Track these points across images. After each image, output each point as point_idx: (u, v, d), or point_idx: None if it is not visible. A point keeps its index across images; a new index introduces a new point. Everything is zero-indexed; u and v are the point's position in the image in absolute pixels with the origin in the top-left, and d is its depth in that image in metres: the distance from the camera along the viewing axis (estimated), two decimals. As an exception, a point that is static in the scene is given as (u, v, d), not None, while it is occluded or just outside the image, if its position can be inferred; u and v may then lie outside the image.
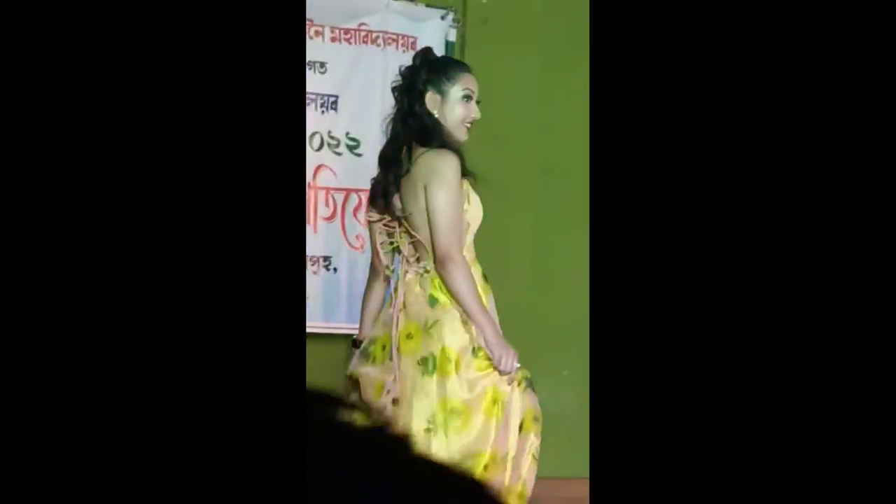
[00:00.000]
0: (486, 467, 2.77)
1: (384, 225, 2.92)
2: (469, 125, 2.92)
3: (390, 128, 2.95)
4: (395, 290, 2.86)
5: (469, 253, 2.90)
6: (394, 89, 2.96)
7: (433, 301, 2.82)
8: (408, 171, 2.84)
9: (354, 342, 3.04)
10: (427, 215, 2.82)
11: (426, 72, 2.90)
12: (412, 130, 2.87)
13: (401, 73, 2.96)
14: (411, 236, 2.88)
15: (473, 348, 2.79)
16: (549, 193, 4.85)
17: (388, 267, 2.92)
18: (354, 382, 2.89)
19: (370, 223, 2.99)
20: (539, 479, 3.90)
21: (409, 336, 2.82)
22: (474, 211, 2.93)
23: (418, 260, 2.88)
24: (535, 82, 4.87)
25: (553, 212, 4.88)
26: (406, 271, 2.88)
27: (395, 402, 2.77)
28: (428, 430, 2.75)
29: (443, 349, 2.77)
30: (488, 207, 3.04)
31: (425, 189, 2.81)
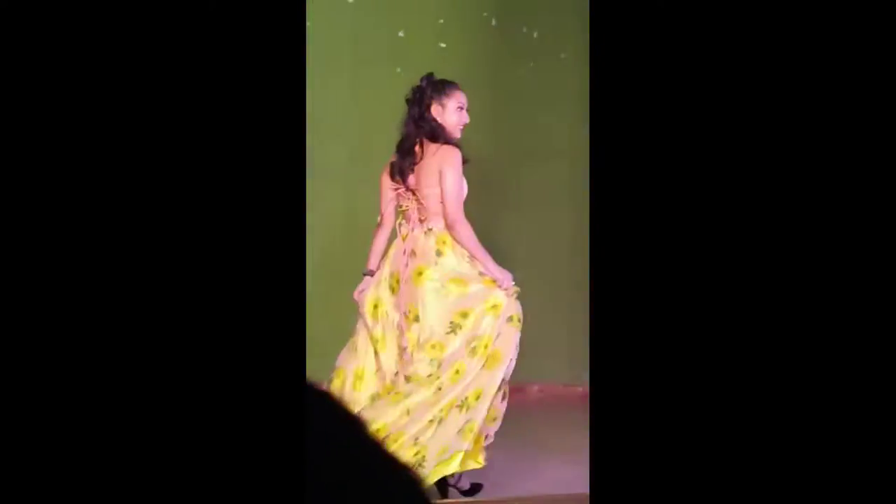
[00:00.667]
0: (485, 346, 3.87)
1: (399, 194, 4.04)
2: (461, 127, 4.06)
3: (404, 128, 4.06)
4: (404, 239, 4.00)
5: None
6: (406, 100, 4.07)
7: (439, 253, 3.93)
8: (421, 158, 3.97)
9: (365, 272, 4.12)
10: (440, 190, 3.93)
11: (430, 90, 4.05)
12: (423, 131, 3.99)
13: (413, 91, 4.07)
14: (419, 203, 3.98)
15: (479, 273, 3.95)
16: (358, 178, 6.26)
17: (398, 223, 4.05)
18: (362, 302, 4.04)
19: (384, 189, 4.09)
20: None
21: (419, 273, 3.92)
22: (464, 188, 4.05)
23: (421, 221, 3.99)
24: (349, 83, 6.44)
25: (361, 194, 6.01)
26: (413, 228, 3.99)
27: (417, 318, 3.89)
28: (448, 333, 3.87)
29: (453, 278, 3.90)
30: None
31: (440, 173, 3.92)
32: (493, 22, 7.04)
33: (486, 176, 6.79)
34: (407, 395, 3.80)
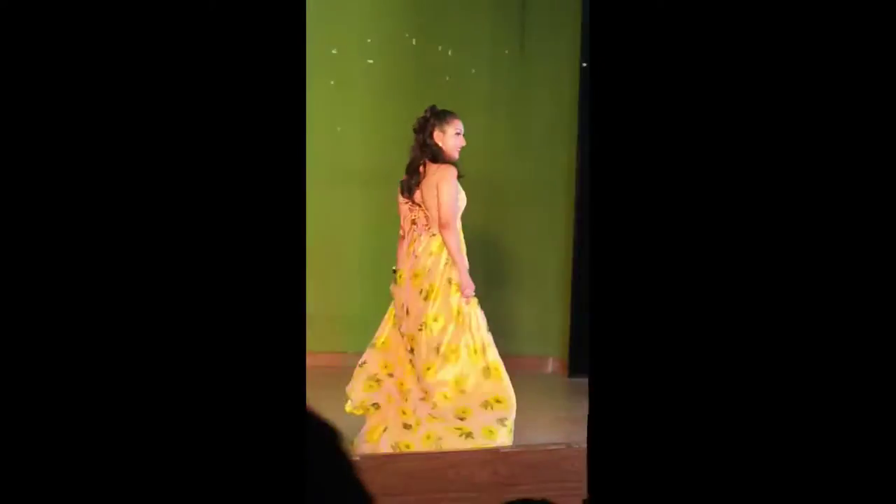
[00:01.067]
0: (454, 351, 4.48)
1: (409, 207, 4.64)
2: (459, 149, 4.66)
3: (411, 152, 4.66)
4: (413, 243, 4.61)
5: (460, 221, 4.66)
6: (413, 129, 4.66)
7: (438, 253, 4.54)
8: (425, 176, 4.57)
9: (394, 270, 4.75)
10: (437, 202, 4.51)
11: (433, 119, 4.64)
12: (426, 154, 4.61)
13: (418, 121, 4.65)
14: (425, 214, 4.59)
15: (449, 279, 4.53)
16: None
17: (408, 231, 4.63)
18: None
19: (400, 205, 4.69)
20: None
21: (415, 275, 4.57)
22: (462, 199, 4.67)
23: (428, 228, 4.59)
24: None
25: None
26: (421, 234, 4.60)
27: (407, 311, 4.57)
28: (420, 329, 4.51)
29: (431, 284, 4.52)
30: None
31: (437, 187, 4.52)
32: (413, 42, 7.62)
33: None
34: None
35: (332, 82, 7.21)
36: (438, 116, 4.67)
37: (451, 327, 4.51)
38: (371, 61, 7.59)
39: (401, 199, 4.69)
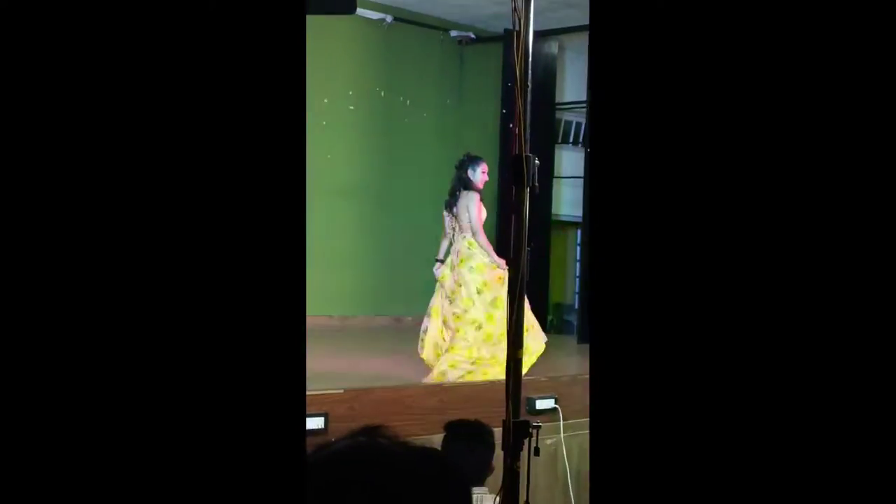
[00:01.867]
0: (496, 303, 5.97)
1: (450, 219, 6.11)
2: (482, 183, 6.10)
3: (452, 183, 6.12)
4: (453, 243, 6.13)
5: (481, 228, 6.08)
6: (455, 166, 6.14)
7: (469, 247, 6.06)
8: (459, 199, 6.05)
9: (438, 259, 6.26)
10: (468, 217, 5.98)
11: (468, 162, 6.10)
12: (461, 183, 6.08)
13: (459, 161, 6.13)
14: (459, 224, 6.07)
15: (490, 260, 6.06)
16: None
17: (451, 234, 6.12)
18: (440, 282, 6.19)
19: (445, 217, 6.15)
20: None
21: (462, 262, 6.06)
22: (483, 213, 6.10)
23: (461, 233, 6.06)
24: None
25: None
26: (458, 238, 6.08)
27: (443, 285, 6.08)
28: (478, 292, 5.98)
29: (478, 264, 6.03)
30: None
31: (468, 208, 6.01)
32: (382, 94, 9.02)
33: (380, 186, 8.96)
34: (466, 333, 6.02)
35: (324, 122, 8.41)
36: (472, 159, 6.17)
37: (496, 287, 6.04)
38: (352, 107, 8.80)
39: (445, 213, 6.23)
